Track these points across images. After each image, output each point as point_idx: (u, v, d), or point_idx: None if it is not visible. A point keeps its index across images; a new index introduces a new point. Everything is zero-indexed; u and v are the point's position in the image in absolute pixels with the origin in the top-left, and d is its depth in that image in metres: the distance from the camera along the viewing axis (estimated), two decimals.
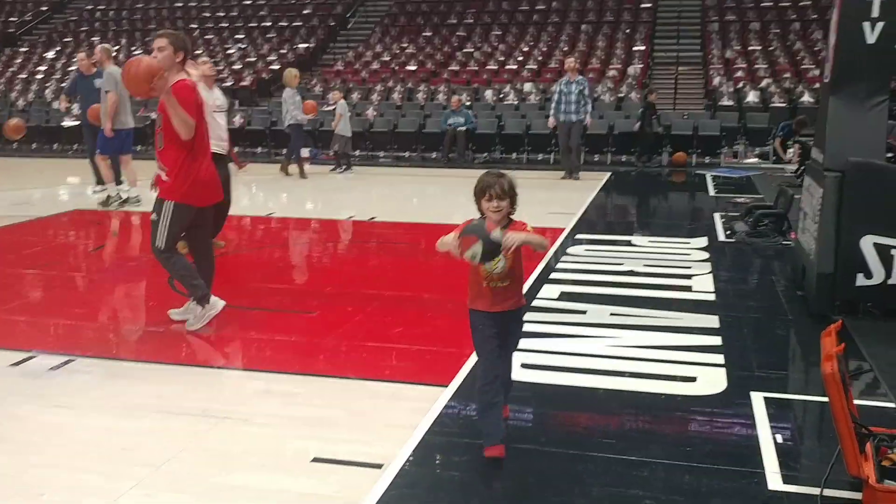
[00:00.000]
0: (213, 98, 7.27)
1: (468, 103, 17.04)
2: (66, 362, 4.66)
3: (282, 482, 3.27)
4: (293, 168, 13.72)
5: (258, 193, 11.73)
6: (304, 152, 14.09)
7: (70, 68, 22.82)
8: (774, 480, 3.23)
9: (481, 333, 3.55)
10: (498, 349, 3.54)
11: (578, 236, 8.14)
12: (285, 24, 24.12)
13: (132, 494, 3.17)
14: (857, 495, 3.02)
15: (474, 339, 3.62)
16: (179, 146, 4.84)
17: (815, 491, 3.11)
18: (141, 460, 3.45)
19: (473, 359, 4.64)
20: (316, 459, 3.45)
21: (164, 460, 3.45)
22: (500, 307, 3.51)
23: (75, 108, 15.54)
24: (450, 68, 20.17)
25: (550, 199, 10.88)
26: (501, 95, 17.95)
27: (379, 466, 3.36)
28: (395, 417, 3.87)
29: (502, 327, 3.54)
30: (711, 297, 5.90)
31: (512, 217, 3.47)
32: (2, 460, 3.49)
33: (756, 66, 18.43)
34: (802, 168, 11.09)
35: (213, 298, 5.06)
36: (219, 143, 7.26)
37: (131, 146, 10.42)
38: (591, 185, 12.15)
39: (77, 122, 17.48)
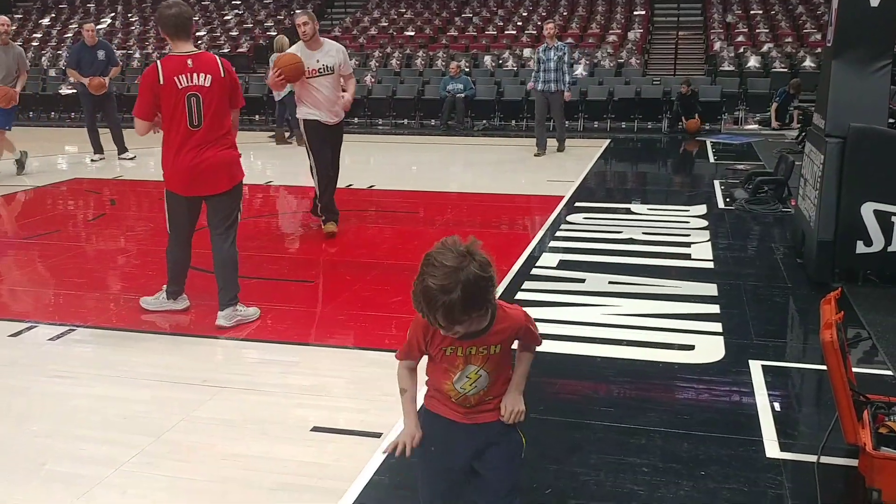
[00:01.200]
0: (312, 62, 6.56)
1: (467, 69, 16.89)
2: (66, 332, 4.67)
3: (282, 451, 3.28)
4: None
5: (256, 162, 11.68)
6: None
7: (66, 35, 22.62)
8: (772, 448, 3.25)
9: (431, 463, 2.40)
10: (457, 488, 2.38)
11: (577, 204, 8.12)
12: None
13: (134, 463, 3.19)
14: (854, 462, 3.04)
15: (418, 467, 2.44)
16: (164, 131, 4.61)
17: (813, 458, 3.13)
18: (142, 429, 3.47)
19: None
20: (315, 428, 3.47)
21: (165, 429, 3.47)
22: (474, 418, 2.35)
23: (71, 77, 15.38)
24: (448, 34, 19.98)
25: (549, 167, 10.84)
26: (500, 61, 17.79)
27: (378, 435, 3.37)
28: (395, 387, 3.86)
29: (475, 450, 2.34)
30: (710, 264, 5.89)
31: (492, 302, 2.18)
32: (3, 430, 3.51)
33: (757, 31, 18.26)
34: (803, 134, 11.04)
35: (182, 297, 4.96)
36: (317, 111, 6.64)
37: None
38: (589, 152, 12.08)
39: (74, 91, 17.41)
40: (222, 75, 4.59)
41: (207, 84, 4.53)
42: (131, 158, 11.43)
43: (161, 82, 4.48)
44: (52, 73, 20.10)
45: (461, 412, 2.35)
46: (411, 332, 2.37)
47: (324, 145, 6.77)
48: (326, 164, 6.82)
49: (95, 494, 2.97)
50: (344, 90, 6.88)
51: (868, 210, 5.13)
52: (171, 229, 4.83)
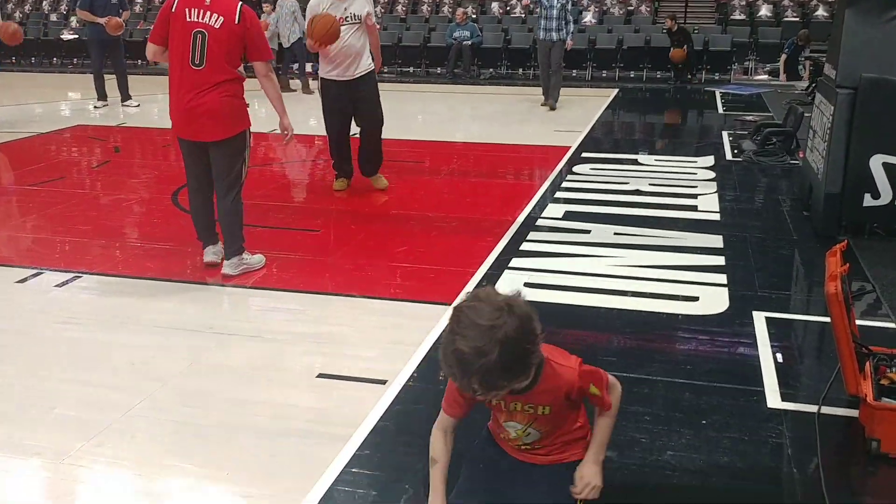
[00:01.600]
0: (340, 10, 6.14)
1: (474, 16, 16.66)
2: (73, 279, 4.69)
3: (288, 397, 3.32)
4: (295, 83, 13.54)
5: (260, 110, 11.58)
6: (307, 67, 13.88)
7: None
8: (773, 398, 3.27)
9: (475, 474, 2.24)
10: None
11: (584, 154, 8.07)
12: None
13: (142, 408, 3.23)
14: (854, 412, 3.06)
15: (466, 458, 2.30)
16: (169, 66, 4.56)
17: (814, 409, 3.15)
18: (150, 375, 3.50)
19: (477, 277, 4.67)
20: (321, 375, 3.50)
21: (173, 375, 3.50)
22: (526, 458, 2.22)
23: (74, 22, 15.17)
24: None
25: (556, 117, 10.75)
26: (508, 8, 17.53)
27: (383, 382, 3.41)
28: (400, 335, 3.91)
29: (517, 473, 2.19)
30: (716, 216, 5.87)
31: (534, 363, 1.91)
32: (12, 375, 3.55)
33: None
34: (813, 85, 10.91)
35: (210, 250, 4.86)
36: (332, 66, 6.22)
37: None
38: (598, 102, 11.97)
39: (76, 37, 17.23)
40: (236, 21, 4.48)
41: (217, 25, 4.45)
42: (136, 106, 11.36)
43: (173, 10, 4.49)
44: (53, 17, 19.87)
45: (513, 450, 2.20)
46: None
47: (336, 105, 6.39)
48: (334, 127, 6.53)
49: (105, 438, 3.02)
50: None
51: (877, 163, 5.08)
52: (185, 171, 4.81)
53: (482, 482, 2.20)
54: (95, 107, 11.37)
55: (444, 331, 1.83)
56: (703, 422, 3.11)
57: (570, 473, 2.13)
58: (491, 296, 1.84)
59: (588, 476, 2.09)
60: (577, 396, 2.05)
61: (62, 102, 12.60)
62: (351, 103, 6.42)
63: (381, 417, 3.13)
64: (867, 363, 3.12)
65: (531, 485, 2.13)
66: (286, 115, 4.93)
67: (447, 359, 1.82)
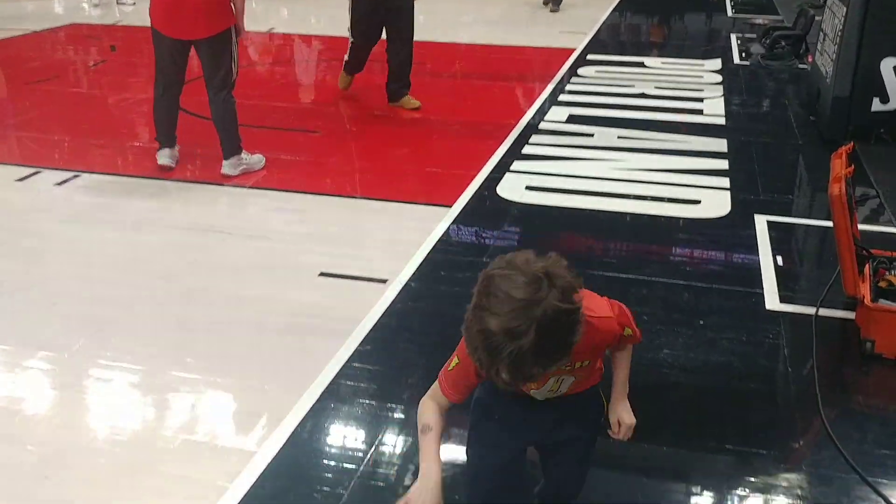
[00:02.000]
0: None
1: None
2: (72, 178, 4.67)
3: (290, 294, 3.35)
4: None
5: (257, 8, 11.32)
6: None
7: None
8: (772, 300, 3.29)
9: (488, 434, 1.91)
10: (513, 466, 1.95)
11: (590, 57, 7.90)
12: None
13: (145, 304, 3.27)
14: (851, 315, 3.09)
15: (471, 422, 1.94)
16: None
17: (811, 310, 3.18)
18: (152, 272, 3.53)
19: (479, 180, 4.64)
20: (323, 274, 3.52)
21: (175, 272, 3.52)
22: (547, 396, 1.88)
23: None
24: None
25: (562, 18, 10.48)
26: None
27: (384, 281, 3.43)
28: (400, 235, 3.91)
29: (552, 421, 1.91)
30: (721, 120, 5.79)
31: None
32: (14, 271, 3.57)
33: None
34: None
35: (167, 152, 4.77)
36: None
37: None
38: (604, 3, 11.65)
39: None
40: None
41: None
42: (132, 4, 11.07)
43: None
44: None
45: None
46: (464, 356, 1.67)
47: (367, 22, 5.92)
48: (359, 41, 6.08)
49: (107, 334, 3.05)
50: None
51: (888, 66, 4.98)
52: (156, 70, 4.70)
53: (506, 430, 1.90)
54: (95, 4, 11.10)
55: (470, 304, 1.52)
56: (702, 322, 3.14)
57: (594, 395, 1.97)
58: (529, 263, 1.50)
59: (625, 417, 1.95)
60: (617, 343, 1.87)
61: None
62: (384, 16, 5.91)
63: (382, 315, 3.16)
64: (866, 265, 3.13)
65: (562, 415, 1.91)
66: (243, 17, 4.69)
67: (472, 339, 1.49)
